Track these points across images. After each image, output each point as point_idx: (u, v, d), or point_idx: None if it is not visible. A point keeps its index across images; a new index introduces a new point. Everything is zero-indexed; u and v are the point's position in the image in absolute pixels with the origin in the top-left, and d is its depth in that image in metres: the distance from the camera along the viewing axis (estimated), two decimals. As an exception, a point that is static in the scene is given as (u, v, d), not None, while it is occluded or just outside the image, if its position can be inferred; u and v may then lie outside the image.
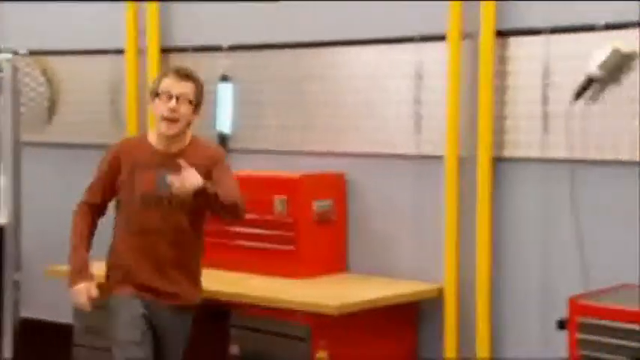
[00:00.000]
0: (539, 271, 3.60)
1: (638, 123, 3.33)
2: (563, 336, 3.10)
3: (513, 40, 3.60)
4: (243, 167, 3.99)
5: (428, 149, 3.84)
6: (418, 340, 3.85)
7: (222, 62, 4.31)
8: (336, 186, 3.94)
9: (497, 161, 3.66)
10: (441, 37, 3.75)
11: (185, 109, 3.00)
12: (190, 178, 2.86)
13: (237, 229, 3.76)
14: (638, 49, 3.30)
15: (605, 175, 3.45)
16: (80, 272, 3.01)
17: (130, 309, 3.02)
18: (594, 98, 3.43)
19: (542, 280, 3.60)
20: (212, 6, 4.38)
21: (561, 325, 3.12)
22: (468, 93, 3.69)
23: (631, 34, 3.32)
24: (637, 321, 2.98)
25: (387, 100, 3.95)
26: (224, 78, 4.31)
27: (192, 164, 2.91)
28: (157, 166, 3.00)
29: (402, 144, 3.90)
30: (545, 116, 3.55)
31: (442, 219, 3.76)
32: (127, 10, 4.55)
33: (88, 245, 3.09)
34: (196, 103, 3.05)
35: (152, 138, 3.09)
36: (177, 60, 4.43)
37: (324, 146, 4.08)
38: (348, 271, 3.97)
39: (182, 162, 2.89)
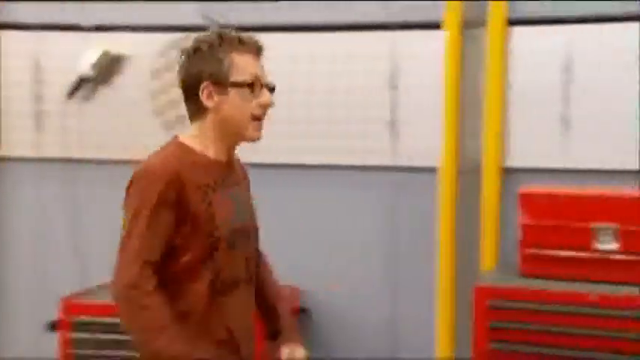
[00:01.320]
0: (35, 272, 3.54)
1: (128, 122, 3.44)
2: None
3: (3, 34, 3.47)
4: None
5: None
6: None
7: None
8: None
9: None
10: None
11: None
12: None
13: None
14: (126, 52, 3.42)
15: (100, 175, 3.50)
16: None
17: None
18: (88, 98, 3.46)
19: (39, 282, 3.53)
20: None
21: (52, 326, 3.07)
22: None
23: (121, 37, 3.42)
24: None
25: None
26: None
27: (241, 179, 2.08)
28: (227, 186, 2.01)
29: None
30: (39, 115, 3.48)
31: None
32: None
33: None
34: None
35: (199, 146, 1.98)
36: None
37: None
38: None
39: None
